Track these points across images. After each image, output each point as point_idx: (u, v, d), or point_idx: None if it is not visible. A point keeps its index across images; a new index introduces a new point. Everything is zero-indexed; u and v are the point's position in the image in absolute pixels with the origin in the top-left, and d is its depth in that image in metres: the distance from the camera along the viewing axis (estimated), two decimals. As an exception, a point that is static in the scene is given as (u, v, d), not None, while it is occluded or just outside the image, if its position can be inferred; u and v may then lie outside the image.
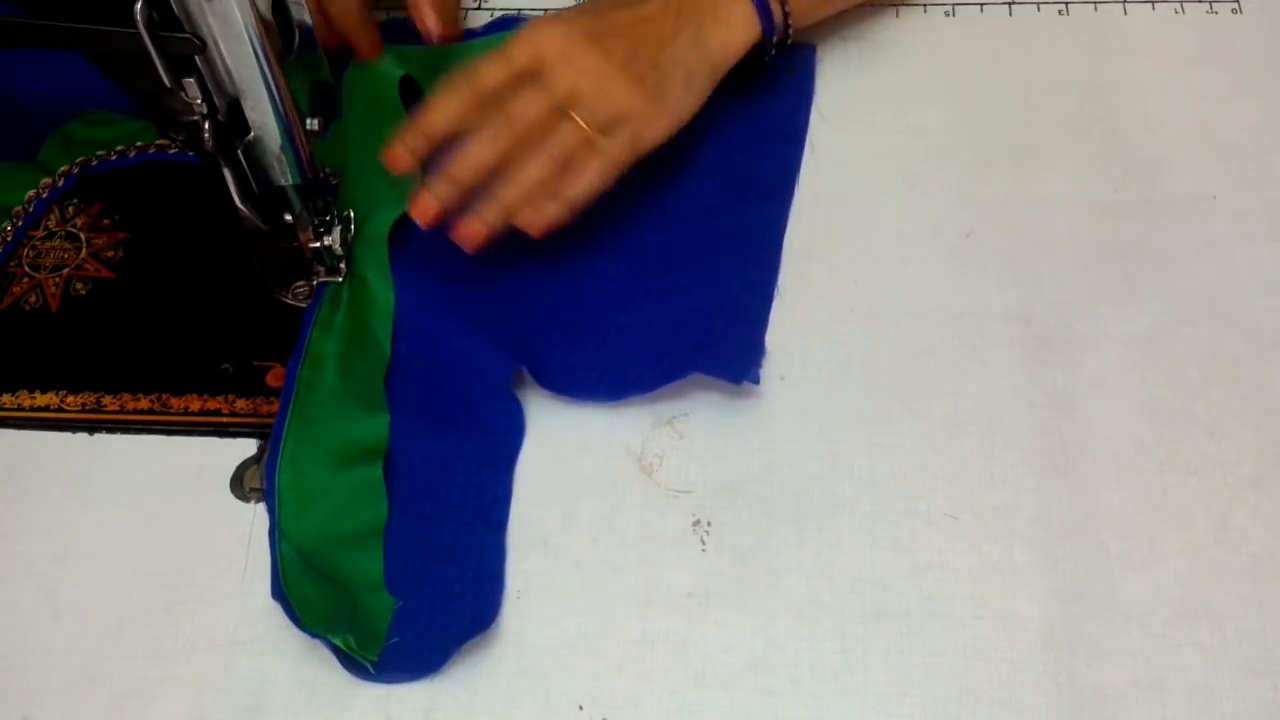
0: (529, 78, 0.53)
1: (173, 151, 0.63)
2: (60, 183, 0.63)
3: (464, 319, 0.56)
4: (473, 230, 0.53)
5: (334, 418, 0.53)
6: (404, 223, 0.56)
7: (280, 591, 0.49)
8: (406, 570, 0.50)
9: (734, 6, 0.58)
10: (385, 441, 0.52)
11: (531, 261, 0.58)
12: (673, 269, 0.57)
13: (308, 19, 0.51)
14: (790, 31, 0.61)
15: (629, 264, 0.58)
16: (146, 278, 0.60)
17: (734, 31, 0.58)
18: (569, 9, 0.57)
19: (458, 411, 0.54)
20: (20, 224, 0.62)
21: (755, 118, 0.63)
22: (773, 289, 0.57)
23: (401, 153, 0.53)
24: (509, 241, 0.58)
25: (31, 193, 0.63)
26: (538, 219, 0.53)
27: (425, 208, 0.53)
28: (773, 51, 0.61)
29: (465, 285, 0.57)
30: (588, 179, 0.53)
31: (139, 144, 0.64)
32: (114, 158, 0.64)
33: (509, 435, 0.53)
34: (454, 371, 0.54)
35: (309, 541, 0.50)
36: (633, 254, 0.58)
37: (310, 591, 0.49)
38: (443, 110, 0.53)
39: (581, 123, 0.52)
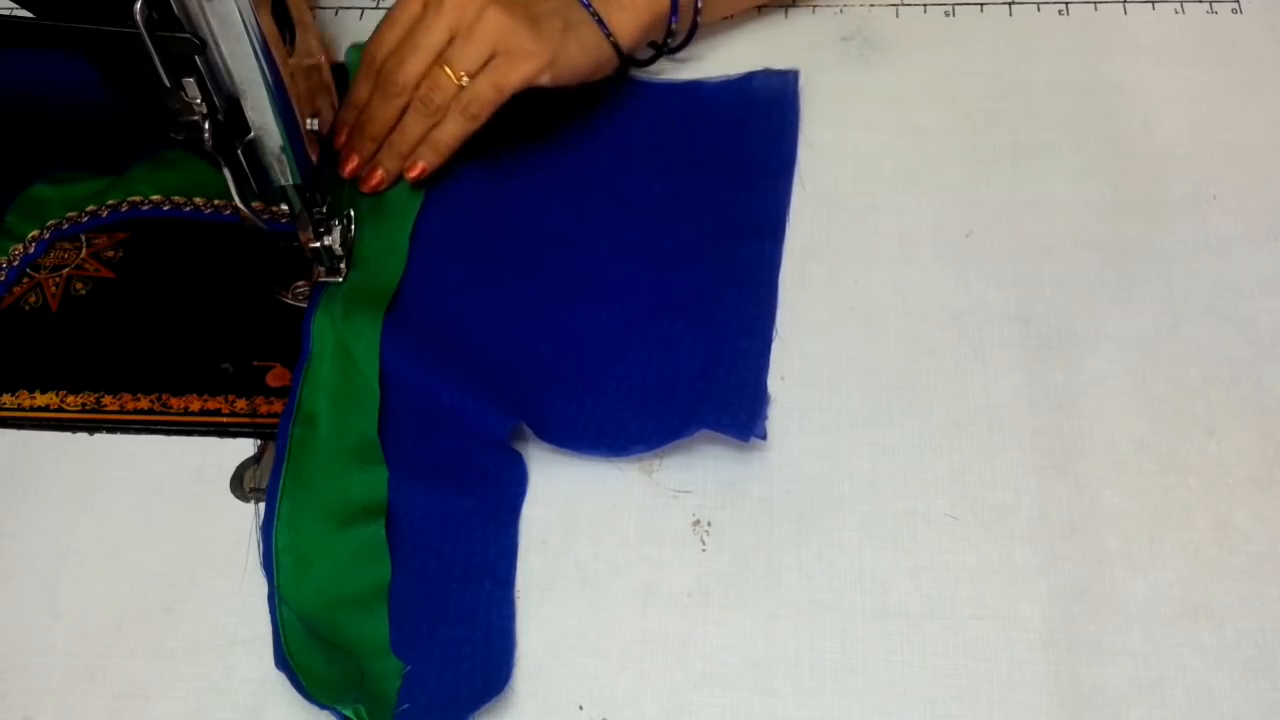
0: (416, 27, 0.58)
1: (146, 208, 0.61)
2: (32, 248, 0.61)
3: (456, 374, 0.54)
4: (376, 177, 0.59)
5: (331, 475, 0.52)
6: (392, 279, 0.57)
7: (284, 661, 0.47)
8: (413, 632, 0.48)
9: None
10: (385, 497, 0.51)
11: (522, 310, 0.57)
12: (668, 314, 0.56)
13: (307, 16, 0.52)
14: (697, 19, 0.63)
15: (622, 310, 0.56)
16: (146, 278, 0.60)
17: (630, 11, 0.60)
18: None
19: (457, 463, 0.52)
20: None
21: (740, 154, 0.62)
22: (771, 329, 0.55)
23: (354, 163, 0.59)
24: (497, 288, 0.57)
25: (2, 259, 0.60)
26: (416, 168, 0.59)
27: (347, 163, 0.59)
28: (669, 41, 0.63)
29: (455, 338, 0.55)
30: (451, 129, 0.58)
31: (110, 202, 0.62)
32: (85, 219, 0.61)
33: (511, 485, 0.52)
34: (450, 423, 0.53)
35: (309, 606, 0.49)
36: (625, 299, 0.57)
37: (315, 660, 0.47)
38: (374, 113, 0.59)
39: (452, 75, 0.57)
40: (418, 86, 0.57)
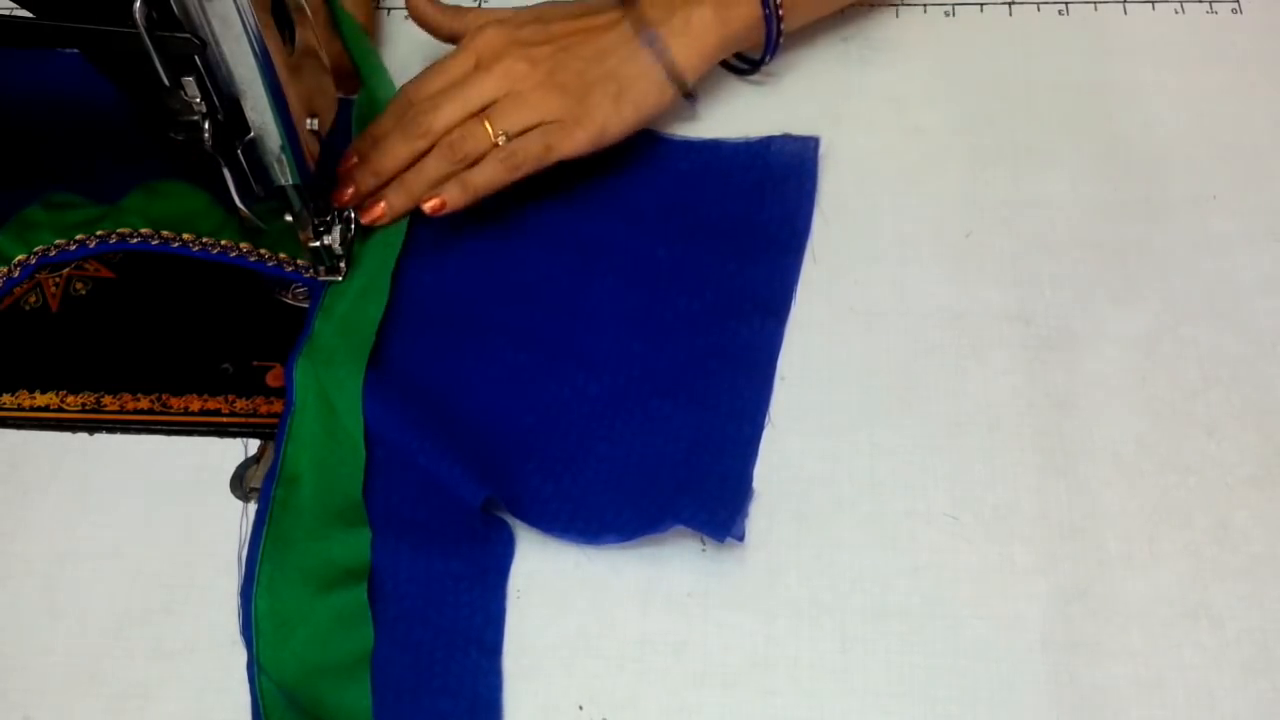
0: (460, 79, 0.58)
1: (135, 242, 0.60)
2: (16, 273, 0.60)
3: (434, 439, 0.52)
4: (378, 210, 0.57)
5: (313, 537, 0.50)
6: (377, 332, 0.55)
7: None
8: (396, 703, 0.46)
9: (697, 10, 0.58)
10: (368, 560, 0.49)
11: (509, 376, 0.55)
12: (659, 390, 0.54)
13: (306, 9, 0.52)
14: (777, 36, 0.61)
15: (612, 382, 0.54)
16: (146, 278, 0.60)
17: (695, 39, 0.58)
18: (524, 10, 0.61)
19: (442, 524, 0.50)
20: None
21: (752, 224, 0.59)
22: (764, 415, 0.53)
23: (351, 193, 0.57)
24: (486, 353, 0.56)
25: None
26: (437, 200, 0.56)
27: (344, 192, 0.57)
28: (766, 58, 0.62)
29: (437, 402, 0.54)
30: (488, 173, 0.56)
31: (99, 233, 0.60)
32: (74, 248, 0.60)
33: (499, 547, 0.50)
34: (432, 483, 0.51)
35: (290, 675, 0.47)
36: (617, 371, 0.55)
37: None
38: (389, 149, 0.57)
39: (490, 131, 0.56)
40: (446, 134, 0.56)
